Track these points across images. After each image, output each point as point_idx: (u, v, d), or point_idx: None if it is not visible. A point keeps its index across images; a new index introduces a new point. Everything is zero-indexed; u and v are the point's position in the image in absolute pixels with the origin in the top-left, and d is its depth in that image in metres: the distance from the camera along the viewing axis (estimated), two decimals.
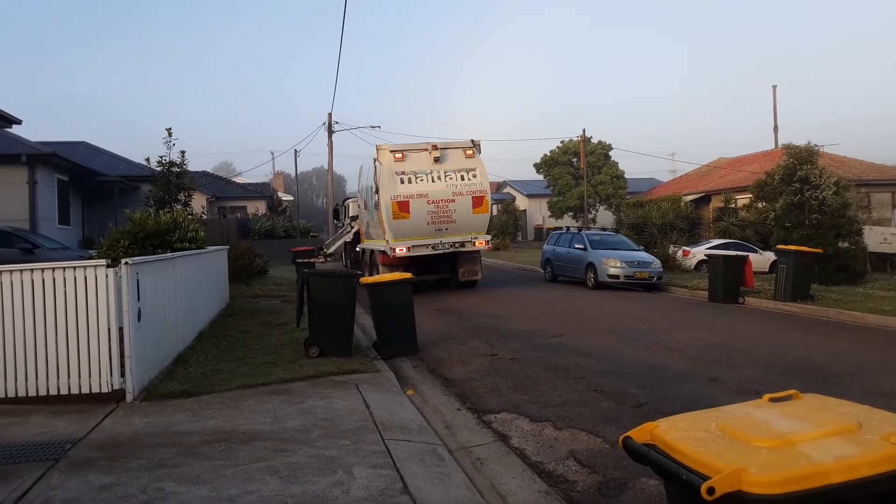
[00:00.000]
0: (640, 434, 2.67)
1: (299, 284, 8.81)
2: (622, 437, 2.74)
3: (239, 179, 52.64)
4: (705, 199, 33.25)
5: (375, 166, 16.47)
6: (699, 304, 15.26)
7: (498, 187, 57.31)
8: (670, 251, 22.98)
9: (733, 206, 28.99)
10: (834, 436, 2.39)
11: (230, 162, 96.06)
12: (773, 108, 45.76)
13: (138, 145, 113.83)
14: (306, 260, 20.74)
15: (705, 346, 9.62)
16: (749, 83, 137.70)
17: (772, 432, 2.45)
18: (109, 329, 6.19)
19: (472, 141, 16.64)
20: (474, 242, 16.34)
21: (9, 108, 13.86)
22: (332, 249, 23.66)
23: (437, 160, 16.07)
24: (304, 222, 39.70)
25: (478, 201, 16.20)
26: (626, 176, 45.71)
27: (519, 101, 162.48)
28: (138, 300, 6.39)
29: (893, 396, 6.76)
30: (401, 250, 15.71)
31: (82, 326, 6.16)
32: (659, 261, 18.94)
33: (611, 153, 45.98)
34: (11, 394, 6.10)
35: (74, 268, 6.21)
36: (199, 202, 25.81)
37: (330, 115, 36.21)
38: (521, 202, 55.51)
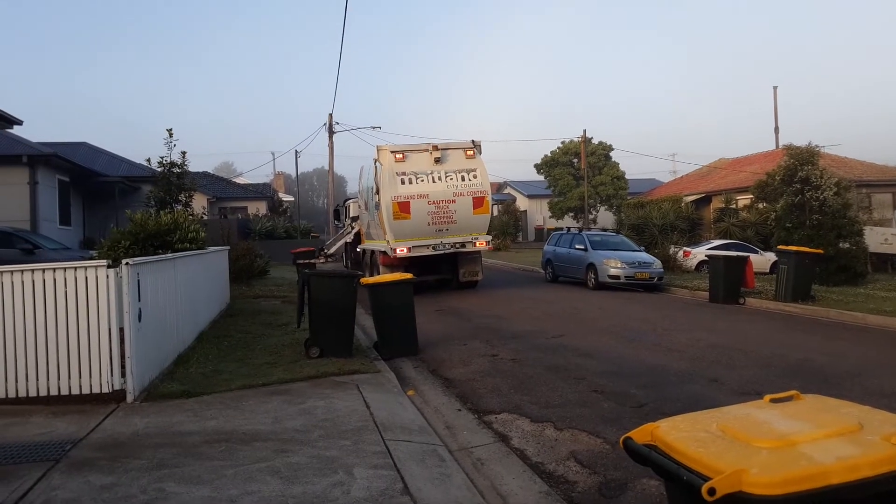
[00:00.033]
0: (640, 435, 2.67)
1: (300, 285, 8.81)
2: (623, 437, 2.74)
3: (240, 180, 52.66)
4: (706, 199, 33.24)
5: (376, 167, 16.47)
6: (700, 304, 15.25)
7: (498, 188, 57.33)
8: (671, 252, 22.97)
9: (734, 206, 28.98)
10: (835, 436, 2.39)
11: (231, 162, 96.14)
12: (774, 109, 45.94)
13: (139, 146, 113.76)
14: (307, 260, 20.74)
15: (706, 347, 9.62)
16: (749, 83, 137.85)
17: (773, 433, 2.45)
18: (110, 329, 6.19)
19: (473, 141, 16.65)
20: (475, 243, 16.34)
21: (10, 109, 13.94)
22: (332, 250, 23.67)
23: (437, 161, 16.07)
24: (305, 223, 39.69)
25: (478, 202, 16.20)
26: (627, 176, 45.72)
27: (519, 101, 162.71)
28: (139, 301, 6.39)
29: (894, 397, 6.75)
30: (401, 251, 15.71)
31: (83, 327, 6.17)
32: (659, 261, 18.94)
33: (611, 154, 45.99)
34: (12, 394, 6.10)
35: (75, 268, 6.22)
36: (199, 203, 25.79)
37: (331, 115, 36.28)
38: (522, 203, 55.51)
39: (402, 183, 15.75)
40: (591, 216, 43.42)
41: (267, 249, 22.82)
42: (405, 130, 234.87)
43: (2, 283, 6.10)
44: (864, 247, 18.48)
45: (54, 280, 6.16)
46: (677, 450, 2.45)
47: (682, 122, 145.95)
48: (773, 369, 8.21)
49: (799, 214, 18.38)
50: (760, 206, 26.09)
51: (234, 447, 4.99)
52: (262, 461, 4.67)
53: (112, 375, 6.19)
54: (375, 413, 5.97)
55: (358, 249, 21.18)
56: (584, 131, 43.42)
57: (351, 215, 23.21)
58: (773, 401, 2.82)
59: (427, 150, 16.20)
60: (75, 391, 6.16)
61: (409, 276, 9.63)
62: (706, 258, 19.12)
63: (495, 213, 43.61)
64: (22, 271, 6.15)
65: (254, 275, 18.84)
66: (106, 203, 23.91)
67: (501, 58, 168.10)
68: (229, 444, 5.05)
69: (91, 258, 8.96)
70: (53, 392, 6.14)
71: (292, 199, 58.60)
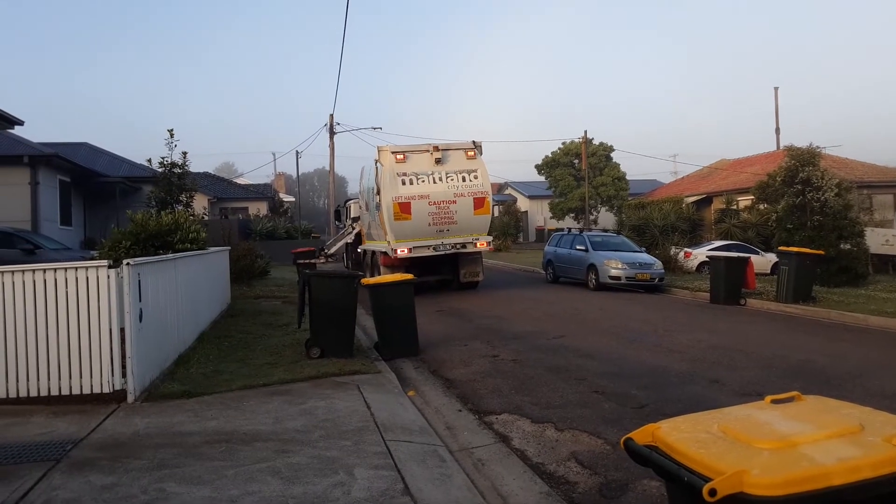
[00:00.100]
0: (641, 435, 2.67)
1: (301, 285, 8.81)
2: (624, 438, 2.73)
3: (240, 180, 52.66)
4: (707, 200, 33.23)
5: (377, 167, 16.48)
6: (701, 305, 15.24)
7: (499, 188, 57.30)
8: (672, 253, 22.96)
9: (735, 207, 28.98)
10: (836, 438, 2.39)
11: (232, 163, 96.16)
12: (775, 110, 45.97)
13: (140, 146, 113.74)
14: (307, 260, 20.75)
15: (707, 348, 9.61)
16: (749, 83, 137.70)
17: (774, 434, 2.45)
18: (111, 329, 6.19)
19: (474, 142, 16.66)
20: (475, 243, 16.35)
21: (10, 109, 13.89)
22: (333, 250, 23.68)
23: (438, 161, 16.08)
24: (306, 223, 39.72)
25: (479, 202, 16.21)
26: (628, 177, 45.70)
27: (519, 101, 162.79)
28: (140, 301, 6.39)
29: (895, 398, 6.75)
30: (402, 251, 15.71)
31: (84, 327, 6.17)
32: (660, 262, 18.94)
33: (612, 155, 45.99)
34: (13, 394, 6.10)
35: (76, 268, 6.22)
36: (200, 203, 25.80)
37: (331, 116, 36.28)
38: (523, 203, 55.49)
39: (403, 183, 15.75)
40: (591, 217, 43.42)
41: (268, 250, 22.84)
42: (406, 131, 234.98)
43: (3, 283, 6.10)
44: (866, 248, 18.47)
45: (55, 280, 6.16)
46: (678, 451, 2.45)
47: (683, 122, 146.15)
48: (774, 370, 8.20)
49: (800, 215, 18.37)
50: (761, 207, 26.09)
51: (235, 447, 4.99)
52: (263, 461, 4.67)
53: (113, 375, 6.19)
54: (376, 413, 5.97)
55: (359, 250, 21.19)
56: (585, 132, 43.44)
57: (352, 216, 23.22)
58: (775, 402, 2.82)
59: (428, 151, 16.20)
60: (76, 391, 6.16)
61: (409, 276, 9.63)
62: (707, 259, 19.12)
63: (496, 214, 43.64)
64: (23, 271, 6.15)
65: (254, 275, 18.85)
66: (107, 203, 23.94)
67: (501, 58, 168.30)
68: (230, 445, 5.05)
69: (92, 258, 8.98)
70: (54, 392, 6.14)
71: (293, 199, 58.64)
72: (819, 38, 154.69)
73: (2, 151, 18.63)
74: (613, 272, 17.63)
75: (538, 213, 53.87)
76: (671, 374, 7.99)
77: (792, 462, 2.23)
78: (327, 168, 41.46)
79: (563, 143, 46.56)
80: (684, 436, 2.55)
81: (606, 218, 44.58)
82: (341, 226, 25.99)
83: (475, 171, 16.26)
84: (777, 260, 17.36)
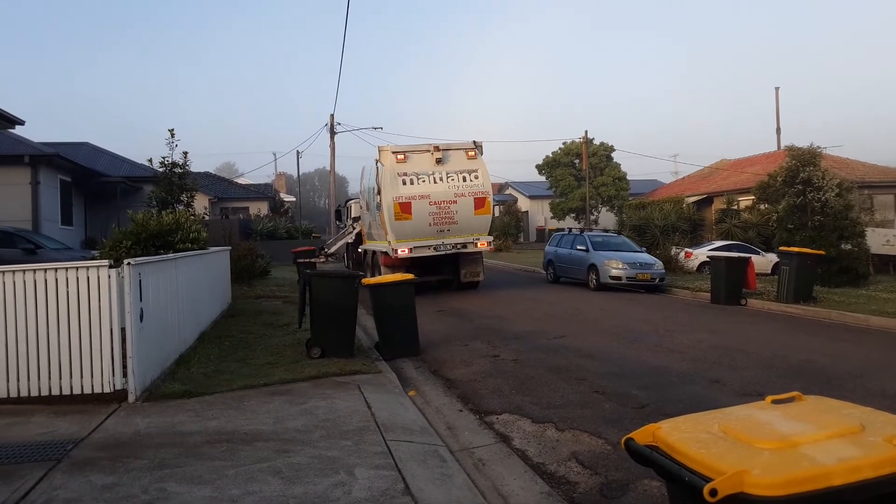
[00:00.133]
0: (642, 435, 2.67)
1: (301, 285, 8.81)
2: (624, 438, 2.73)
3: (241, 180, 52.71)
4: (707, 200, 33.21)
5: (377, 167, 16.48)
6: (701, 305, 15.24)
7: (500, 188, 57.29)
8: (672, 253, 22.95)
9: (736, 207, 28.96)
10: (837, 438, 2.39)
11: (232, 163, 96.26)
12: (776, 110, 45.79)
13: (140, 146, 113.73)
14: (307, 260, 20.75)
15: (707, 348, 9.61)
16: (750, 83, 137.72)
17: (774, 434, 2.45)
18: (112, 329, 6.19)
19: (474, 142, 16.67)
20: (476, 243, 16.35)
21: (11, 109, 13.88)
22: (333, 250, 23.69)
23: (439, 161, 16.08)
24: (307, 223, 39.76)
25: (480, 202, 16.21)
26: (629, 177, 45.66)
27: (520, 101, 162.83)
28: (140, 300, 6.39)
29: None
30: (403, 251, 15.72)
31: (84, 327, 6.17)
32: (661, 262, 18.93)
33: (613, 155, 45.97)
34: (14, 394, 6.11)
35: (77, 268, 6.22)
36: (201, 203, 25.81)
37: (332, 116, 36.31)
38: (523, 203, 55.49)
39: (404, 183, 15.76)
40: (592, 217, 43.40)
41: (268, 250, 22.85)
42: (406, 131, 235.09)
43: (3, 283, 6.11)
44: (866, 248, 18.46)
45: (56, 280, 6.17)
46: (679, 451, 2.45)
47: (683, 122, 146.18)
48: (774, 370, 8.20)
49: (801, 216, 18.37)
50: (762, 207, 26.08)
51: (236, 447, 4.99)
52: (264, 461, 4.67)
53: (113, 375, 6.19)
54: (377, 413, 5.97)
55: (359, 250, 21.19)
56: (586, 132, 43.44)
57: (352, 216, 23.22)
58: (775, 402, 2.82)
59: (428, 151, 16.21)
60: (77, 391, 6.17)
61: (410, 276, 9.63)
62: (708, 259, 19.12)
63: (497, 214, 43.60)
64: (24, 271, 6.15)
65: (255, 275, 18.85)
66: (107, 203, 23.95)
67: (502, 58, 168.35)
68: (231, 445, 5.05)
69: (93, 258, 8.97)
70: (55, 392, 6.15)
71: (294, 199, 58.64)
72: (819, 38, 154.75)
73: (3, 151, 18.63)
74: (614, 272, 17.63)
75: (539, 213, 53.86)
76: (672, 374, 7.99)
77: (793, 462, 2.22)
78: (328, 168, 41.49)
79: (564, 143, 46.55)
80: (685, 436, 2.55)
81: (607, 218, 44.55)
82: (342, 226, 25.99)
83: (476, 170, 16.27)
84: (778, 260, 17.37)
